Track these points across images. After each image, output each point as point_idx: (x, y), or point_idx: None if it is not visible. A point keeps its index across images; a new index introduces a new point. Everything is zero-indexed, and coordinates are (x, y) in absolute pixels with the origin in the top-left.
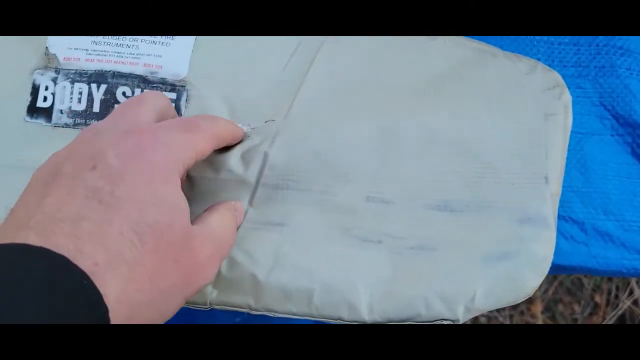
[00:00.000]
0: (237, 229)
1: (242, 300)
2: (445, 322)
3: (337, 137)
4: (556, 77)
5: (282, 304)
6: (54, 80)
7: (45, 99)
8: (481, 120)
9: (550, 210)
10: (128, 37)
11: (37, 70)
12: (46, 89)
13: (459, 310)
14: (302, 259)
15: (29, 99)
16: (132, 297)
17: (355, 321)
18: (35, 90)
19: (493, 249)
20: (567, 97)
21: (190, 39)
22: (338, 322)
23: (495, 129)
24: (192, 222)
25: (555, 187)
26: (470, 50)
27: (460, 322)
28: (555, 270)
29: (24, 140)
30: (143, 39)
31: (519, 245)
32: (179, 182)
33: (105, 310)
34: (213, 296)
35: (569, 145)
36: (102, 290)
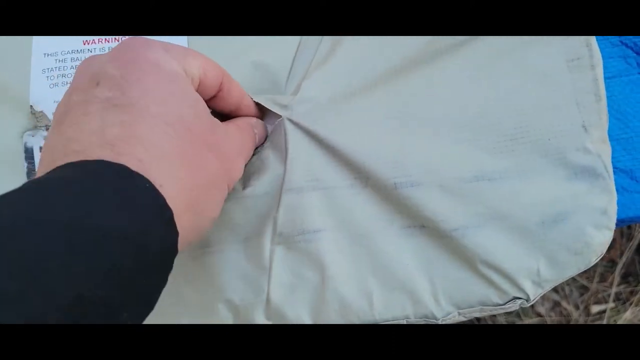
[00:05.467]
0: (258, 148)
1: (298, 318)
2: (518, 302)
3: (347, 126)
4: None
5: (342, 315)
6: None
7: None
8: (499, 84)
9: (597, 158)
10: None
11: (27, 132)
12: (41, 150)
13: (526, 287)
14: (350, 262)
15: (26, 164)
16: (187, 181)
17: (425, 317)
18: (30, 155)
19: (545, 212)
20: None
21: None
22: (405, 321)
23: (516, 89)
24: None
25: (598, 133)
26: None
27: (532, 300)
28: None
29: None
30: None
31: (572, 202)
32: (189, 82)
33: (171, 214)
34: (271, 313)
35: None
36: (157, 182)
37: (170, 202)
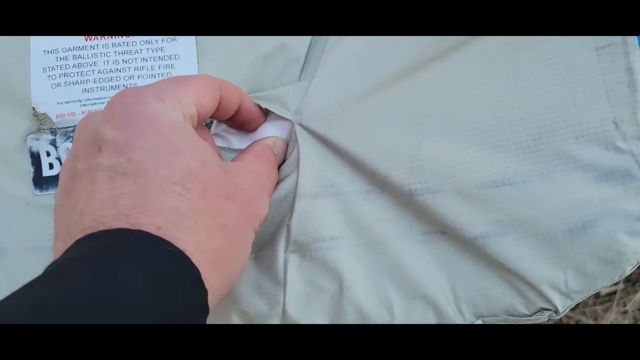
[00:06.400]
0: (281, 166)
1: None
2: (546, 314)
3: (358, 129)
4: None
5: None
6: (53, 144)
7: (51, 166)
8: (519, 78)
9: (630, 158)
10: (122, 75)
11: (30, 136)
12: (48, 154)
13: (553, 298)
14: (368, 271)
15: (32, 169)
16: (210, 242)
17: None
18: (36, 159)
19: (572, 218)
20: None
21: (192, 62)
22: None
23: (538, 84)
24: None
25: (631, 129)
26: None
27: (561, 312)
28: None
29: (43, 215)
30: (140, 75)
31: (602, 207)
32: (190, 128)
33: (198, 273)
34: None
35: None
36: (179, 247)
37: (194, 258)
